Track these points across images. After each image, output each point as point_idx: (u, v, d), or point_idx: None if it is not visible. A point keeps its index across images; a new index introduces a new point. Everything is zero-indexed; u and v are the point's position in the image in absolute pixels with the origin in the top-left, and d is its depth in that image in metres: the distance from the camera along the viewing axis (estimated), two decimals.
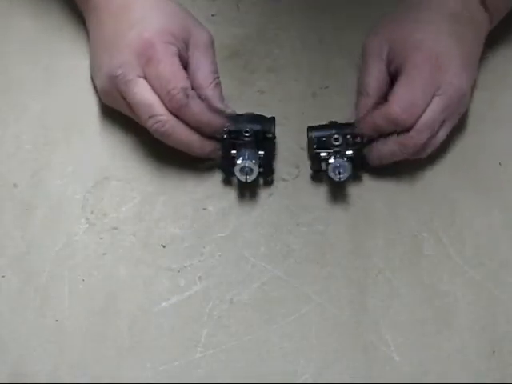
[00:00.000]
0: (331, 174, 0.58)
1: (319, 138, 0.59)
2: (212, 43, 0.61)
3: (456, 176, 0.62)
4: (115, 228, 0.60)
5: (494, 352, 0.56)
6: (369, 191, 0.61)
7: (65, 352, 0.56)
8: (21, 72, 0.65)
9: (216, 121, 0.58)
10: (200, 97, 0.58)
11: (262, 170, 0.59)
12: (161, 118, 0.57)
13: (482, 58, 0.65)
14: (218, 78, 0.60)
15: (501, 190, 0.61)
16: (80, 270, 0.58)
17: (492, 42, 0.65)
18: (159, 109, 0.57)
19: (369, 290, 0.58)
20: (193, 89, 0.58)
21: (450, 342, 0.56)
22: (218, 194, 0.61)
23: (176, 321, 0.57)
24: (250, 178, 0.58)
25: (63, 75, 0.65)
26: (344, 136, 0.58)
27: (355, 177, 0.60)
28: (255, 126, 0.59)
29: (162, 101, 0.57)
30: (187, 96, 0.57)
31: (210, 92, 0.59)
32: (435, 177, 0.61)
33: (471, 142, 0.63)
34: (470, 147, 0.63)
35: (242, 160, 0.58)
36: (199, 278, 0.58)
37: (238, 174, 0.58)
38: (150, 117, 0.57)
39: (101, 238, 0.59)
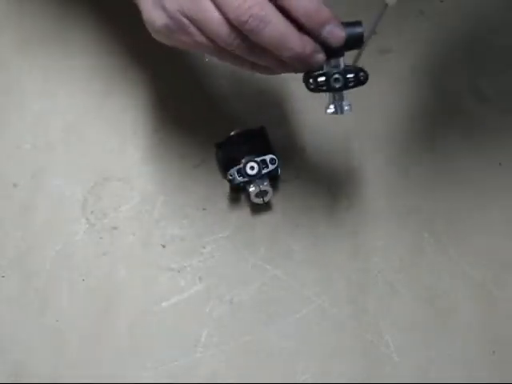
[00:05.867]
0: (255, 200, 0.59)
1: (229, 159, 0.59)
2: None
3: (456, 176, 0.62)
4: (115, 228, 0.60)
5: (493, 352, 0.56)
6: (369, 191, 0.61)
7: (65, 352, 0.56)
8: (21, 72, 0.65)
9: (326, 10, 0.47)
10: None
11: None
12: (257, 0, 0.46)
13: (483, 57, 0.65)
14: None
15: (501, 190, 0.61)
16: (80, 270, 0.58)
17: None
18: None
19: (369, 291, 0.58)
20: None
21: (450, 342, 0.56)
22: (218, 194, 0.61)
23: (176, 321, 0.57)
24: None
25: (63, 75, 0.65)
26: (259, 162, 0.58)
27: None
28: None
29: None
30: None
31: None
32: (435, 177, 0.62)
33: (471, 141, 0.63)
34: (470, 147, 0.63)
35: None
36: (199, 278, 0.58)
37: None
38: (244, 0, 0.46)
39: (101, 238, 0.59)
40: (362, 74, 0.50)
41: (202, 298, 0.57)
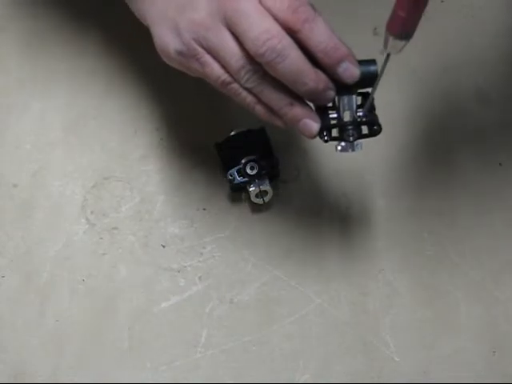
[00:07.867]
0: (255, 200, 0.59)
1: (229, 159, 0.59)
2: None
3: (456, 176, 0.62)
4: (115, 228, 0.60)
5: (494, 352, 0.56)
6: (369, 191, 0.61)
7: (65, 352, 0.56)
8: (21, 72, 0.65)
9: (343, 47, 0.46)
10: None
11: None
12: (276, 32, 0.45)
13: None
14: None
15: (501, 190, 0.61)
16: (80, 270, 0.58)
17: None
18: (273, 24, 0.45)
19: (369, 291, 0.58)
20: None
21: (450, 342, 0.56)
22: (218, 194, 0.61)
23: (176, 321, 0.57)
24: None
25: (63, 75, 0.65)
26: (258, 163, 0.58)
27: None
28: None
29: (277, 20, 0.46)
30: (314, 11, 0.46)
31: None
32: (435, 177, 0.62)
33: (471, 142, 0.63)
34: (470, 147, 0.63)
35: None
36: (199, 278, 0.58)
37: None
38: (264, 31, 0.45)
39: (101, 238, 0.59)
40: (375, 127, 0.50)
41: (202, 298, 0.57)
